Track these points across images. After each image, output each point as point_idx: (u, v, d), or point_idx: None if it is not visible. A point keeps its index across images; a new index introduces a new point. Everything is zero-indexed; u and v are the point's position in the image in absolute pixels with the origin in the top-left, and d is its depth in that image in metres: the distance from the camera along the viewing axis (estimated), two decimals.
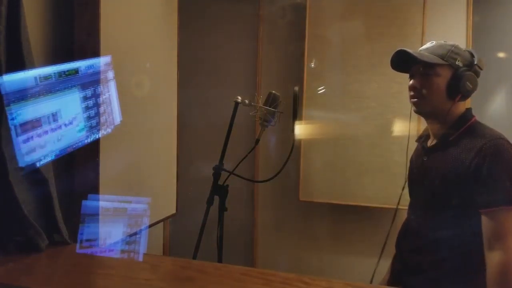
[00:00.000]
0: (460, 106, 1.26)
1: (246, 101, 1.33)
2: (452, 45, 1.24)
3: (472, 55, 1.24)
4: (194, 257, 1.28)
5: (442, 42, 1.26)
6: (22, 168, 0.92)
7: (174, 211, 2.11)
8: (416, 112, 1.29)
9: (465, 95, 1.22)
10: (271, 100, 1.33)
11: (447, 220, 1.21)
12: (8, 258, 0.90)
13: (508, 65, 2.20)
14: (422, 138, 1.37)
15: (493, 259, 1.10)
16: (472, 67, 1.22)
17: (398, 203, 1.43)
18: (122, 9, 1.56)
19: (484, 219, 1.13)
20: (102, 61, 1.32)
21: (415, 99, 1.27)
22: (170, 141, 2.07)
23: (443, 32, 2.20)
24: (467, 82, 1.20)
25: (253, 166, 2.54)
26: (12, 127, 0.89)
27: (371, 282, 1.47)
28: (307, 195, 2.37)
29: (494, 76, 2.21)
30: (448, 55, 1.22)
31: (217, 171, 1.31)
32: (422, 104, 1.26)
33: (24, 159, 0.92)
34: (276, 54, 2.52)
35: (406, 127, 2.21)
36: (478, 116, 1.26)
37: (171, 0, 2.05)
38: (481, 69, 1.23)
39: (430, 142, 1.32)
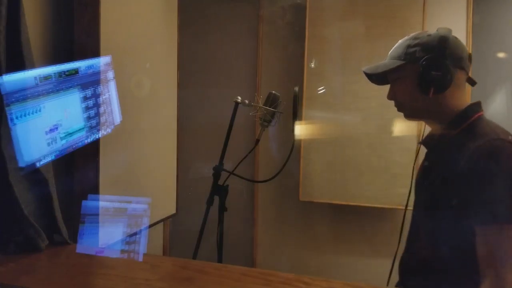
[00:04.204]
0: (455, 99, 1.09)
1: (246, 101, 1.33)
2: (410, 38, 1.10)
3: (439, 39, 1.04)
4: (194, 257, 1.28)
5: (406, 37, 1.13)
6: (22, 168, 0.92)
7: (174, 211, 2.11)
8: (406, 118, 1.21)
9: (441, 85, 1.04)
10: (271, 100, 1.33)
11: (441, 226, 1.08)
12: (8, 258, 0.90)
13: (508, 65, 2.20)
14: (426, 139, 1.32)
15: (485, 282, 0.96)
16: (437, 52, 1.03)
17: (407, 205, 1.31)
18: (122, 9, 1.56)
19: (477, 235, 0.95)
20: (102, 61, 1.32)
21: (396, 107, 1.19)
22: (170, 141, 2.07)
23: None
24: (432, 72, 1.01)
25: (253, 166, 2.54)
26: (12, 127, 0.89)
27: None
28: (307, 195, 2.37)
29: (494, 76, 2.21)
30: (406, 52, 1.08)
31: (217, 171, 1.31)
32: (403, 110, 1.17)
33: (24, 159, 0.92)
34: (276, 54, 2.52)
35: (406, 127, 2.21)
36: None
37: (171, 0, 2.05)
38: (446, 48, 1.02)
39: (431, 143, 1.25)
